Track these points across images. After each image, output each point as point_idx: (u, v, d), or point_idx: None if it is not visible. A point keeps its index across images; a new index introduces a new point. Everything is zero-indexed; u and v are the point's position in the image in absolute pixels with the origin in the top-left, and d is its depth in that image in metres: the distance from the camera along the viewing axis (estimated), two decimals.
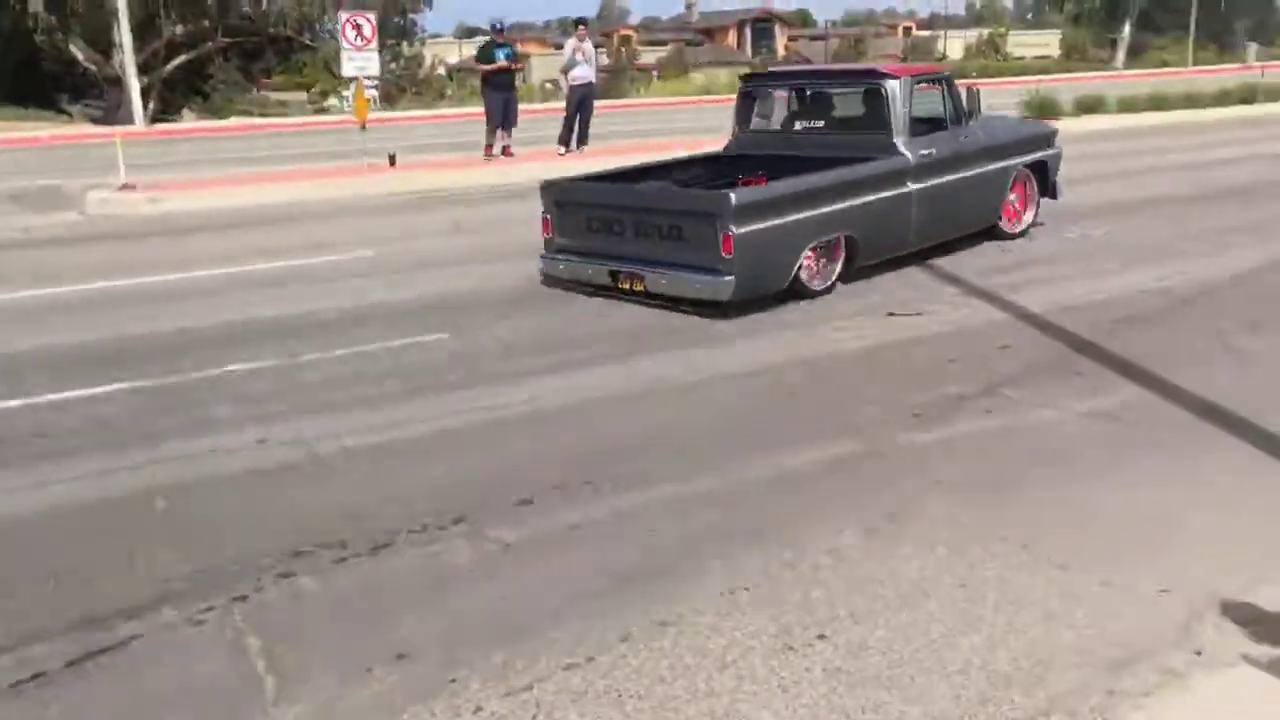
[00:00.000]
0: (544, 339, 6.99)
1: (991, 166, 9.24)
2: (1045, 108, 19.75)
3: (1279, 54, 45.91)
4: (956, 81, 9.19)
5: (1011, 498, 4.43)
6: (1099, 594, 3.71)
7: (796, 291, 7.57)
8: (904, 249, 8.50)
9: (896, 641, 3.39)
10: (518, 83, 17.50)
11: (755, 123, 9.57)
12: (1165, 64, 46.63)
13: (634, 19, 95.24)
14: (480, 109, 17.17)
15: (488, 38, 18.52)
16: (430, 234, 11.34)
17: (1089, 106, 20.62)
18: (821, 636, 3.41)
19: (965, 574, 3.84)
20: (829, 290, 7.83)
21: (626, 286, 7.62)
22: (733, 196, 7.17)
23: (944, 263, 8.67)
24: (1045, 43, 67.35)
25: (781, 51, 65.78)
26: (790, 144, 9.07)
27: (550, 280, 8.27)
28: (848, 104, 9.19)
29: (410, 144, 18.90)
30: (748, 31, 74.44)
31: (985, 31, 66.38)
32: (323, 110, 36.11)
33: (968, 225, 9.24)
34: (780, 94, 9.72)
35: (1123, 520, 4.22)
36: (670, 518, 4.33)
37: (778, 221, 7.27)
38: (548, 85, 36.94)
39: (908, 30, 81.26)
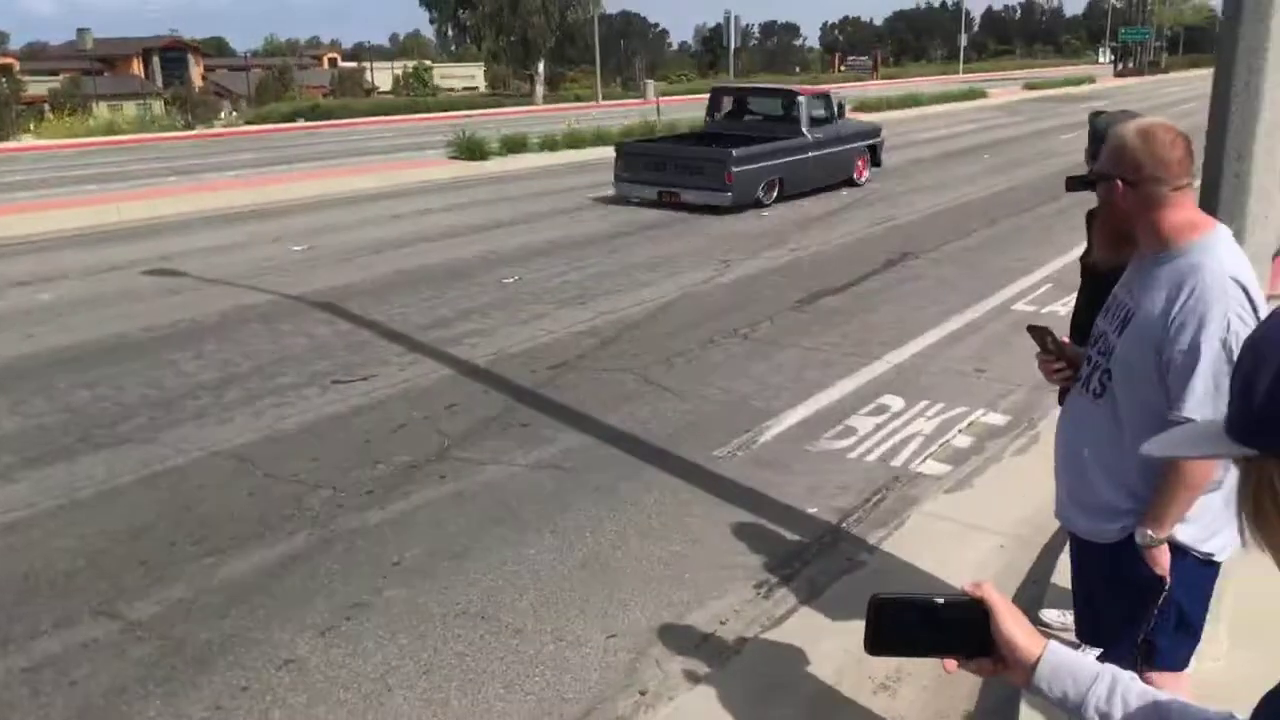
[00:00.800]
0: None
1: (848, 146, 16.63)
2: (473, 149, 20.61)
3: (672, 89, 52.20)
4: (832, 94, 17.15)
5: (469, 566, 4.52)
6: (553, 652, 3.90)
7: (759, 203, 14.48)
8: (805, 187, 15.48)
9: None
10: None
11: (717, 116, 17.12)
12: (579, 98, 51.04)
13: (13, 44, 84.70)
14: None
15: None
16: None
17: (514, 145, 21.81)
18: None
19: (429, 659, 3.84)
20: (770, 205, 14.69)
21: (668, 199, 14.44)
22: (734, 151, 14.07)
23: (388, 319, 8.65)
24: (471, 74, 70.73)
25: (198, 82, 61.53)
26: (741, 128, 16.47)
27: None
28: (775, 107, 16.61)
29: None
30: (156, 61, 69.22)
31: (411, 64, 68.09)
32: None
33: (836, 177, 16.29)
34: (730, 99, 17.56)
35: (570, 570, 4.49)
36: (96, 661, 3.82)
37: (750, 166, 14.23)
38: None
39: (333, 61, 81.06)
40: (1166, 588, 2.48)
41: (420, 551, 4.65)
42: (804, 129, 15.58)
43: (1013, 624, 1.18)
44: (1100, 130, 3.37)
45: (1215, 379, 2.26)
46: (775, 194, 14.70)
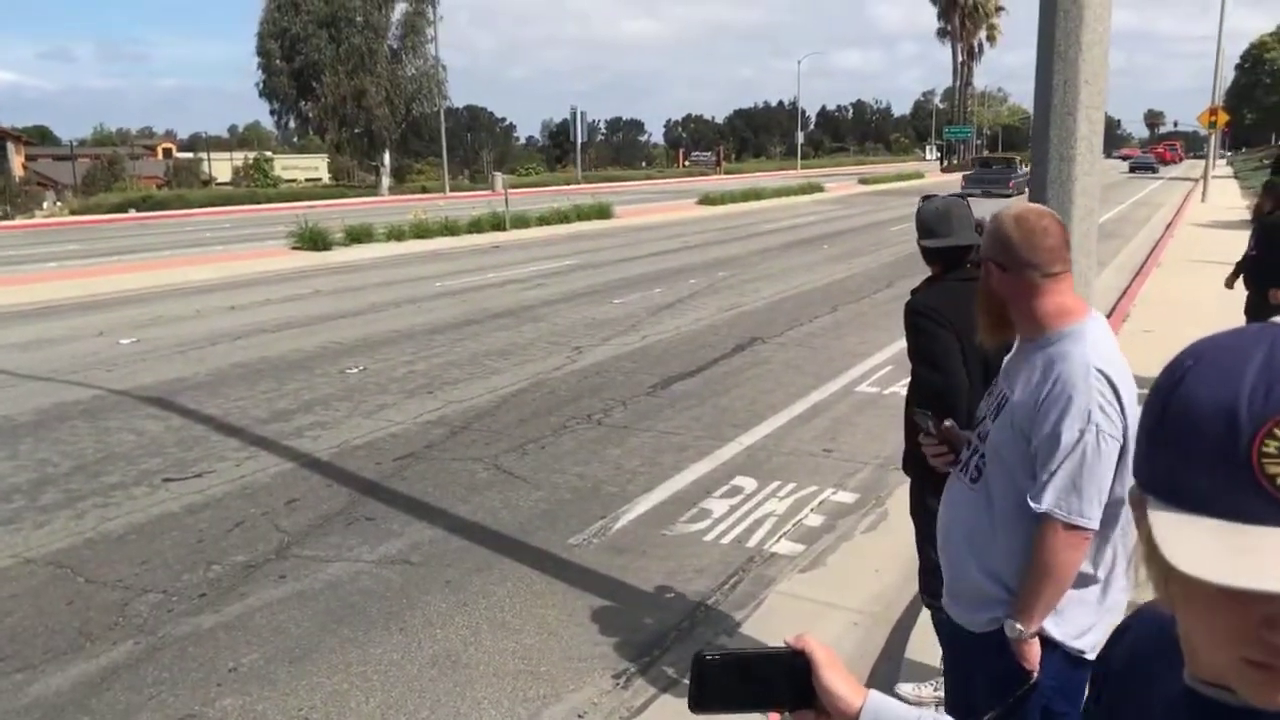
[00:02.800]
0: None
1: (1025, 179, 27.92)
2: (316, 239, 20.23)
3: (521, 182, 52.61)
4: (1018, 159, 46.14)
5: (311, 669, 4.26)
6: None
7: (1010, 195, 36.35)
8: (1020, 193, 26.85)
9: None
10: None
11: (976, 167, 49.66)
12: (426, 189, 50.96)
13: None
14: None
15: None
16: None
17: (358, 235, 21.54)
18: None
19: None
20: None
21: (986, 194, 36.29)
22: (1012, 173, 42.62)
23: (224, 413, 8.27)
24: (314, 166, 69.94)
25: (19, 171, 58.11)
26: (991, 171, 44.93)
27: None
28: (1005, 162, 48.17)
29: None
30: None
31: (251, 155, 66.88)
32: None
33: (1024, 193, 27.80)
34: (979, 161, 52.85)
35: (420, 669, 4.28)
36: None
37: (1015, 181, 40.11)
38: None
39: (168, 151, 78.76)
40: (1032, 683, 2.39)
41: (258, 656, 4.36)
42: (1017, 171, 40.00)
43: (833, 675, 1.17)
44: (925, 214, 3.51)
45: (1072, 470, 2.24)
46: (1015, 194, 31.29)
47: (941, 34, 79.75)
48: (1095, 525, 2.27)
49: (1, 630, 4.59)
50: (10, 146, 54.95)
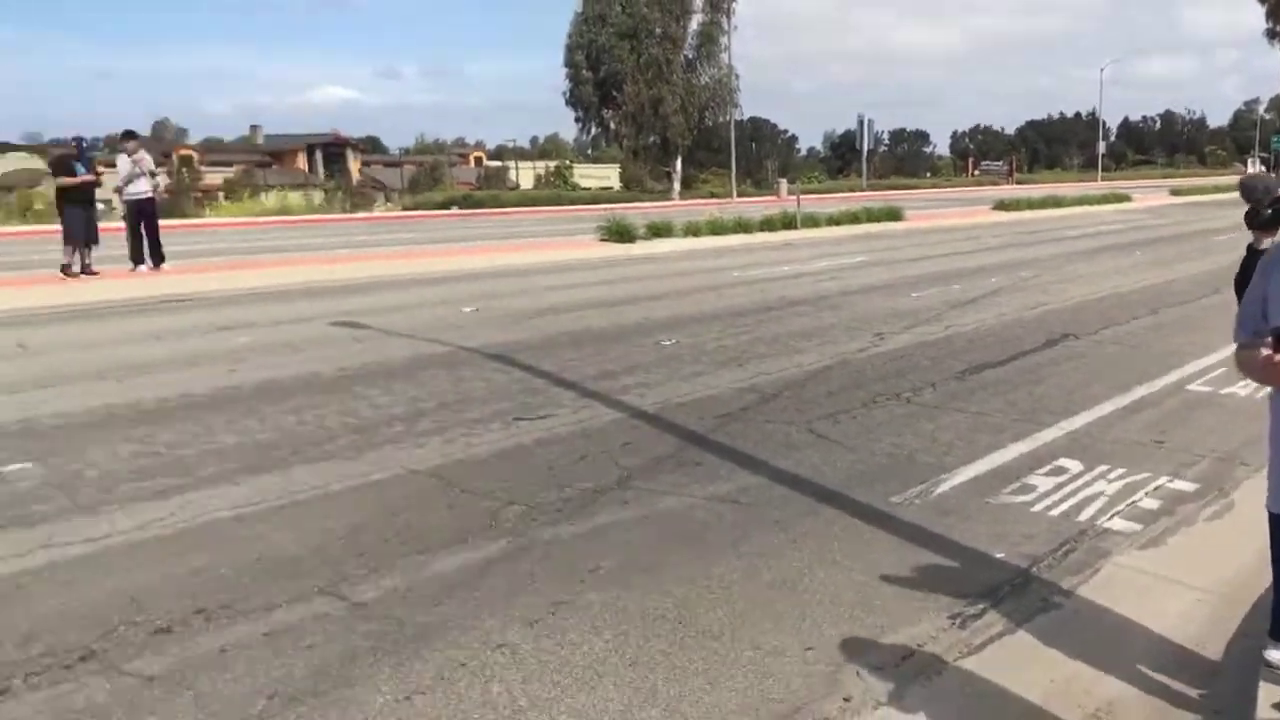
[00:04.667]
0: (145, 464, 6.35)
1: None
2: (622, 231, 21.35)
3: (805, 189, 52.79)
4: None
5: (662, 578, 4.63)
6: (752, 658, 3.95)
7: None
8: None
9: None
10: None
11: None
12: (714, 195, 52.28)
13: (192, 139, 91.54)
14: (56, 225, 15.79)
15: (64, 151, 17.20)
16: None
17: (659, 230, 22.57)
18: None
19: (633, 653, 3.95)
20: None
21: None
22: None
23: (559, 370, 9.00)
24: (606, 175, 73.32)
25: (355, 175, 65.70)
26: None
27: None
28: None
29: None
30: (318, 155, 73.79)
31: (552, 163, 70.97)
32: None
33: None
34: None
35: (760, 589, 4.55)
36: (328, 632, 4.06)
37: None
38: (100, 205, 34.12)
39: (478, 160, 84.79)
40: None
41: (613, 564, 4.79)
42: None
43: None
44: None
45: None
46: None
47: (1270, 35, 72.45)
48: None
49: (400, 522, 5.31)
50: (349, 153, 61.54)
